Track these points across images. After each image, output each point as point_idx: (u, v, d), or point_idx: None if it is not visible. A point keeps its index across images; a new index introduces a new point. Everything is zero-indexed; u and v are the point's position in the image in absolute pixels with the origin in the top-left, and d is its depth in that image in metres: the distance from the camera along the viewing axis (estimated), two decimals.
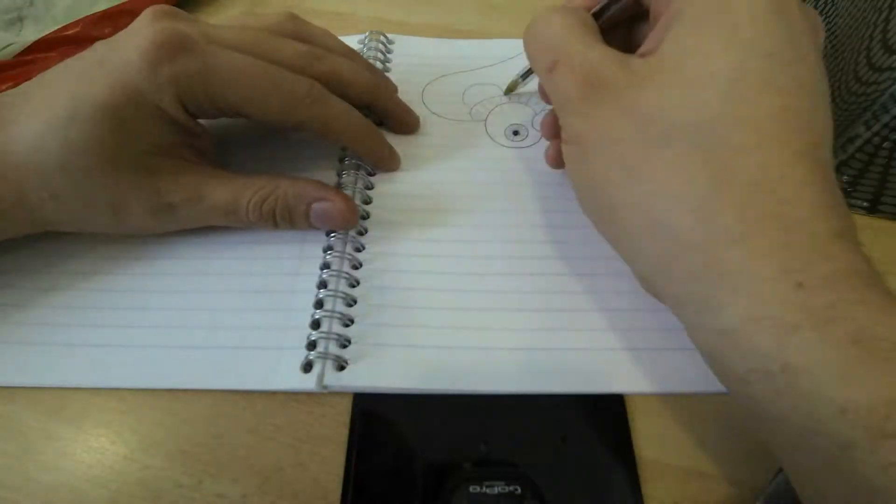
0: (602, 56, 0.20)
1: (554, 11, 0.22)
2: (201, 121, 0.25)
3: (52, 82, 0.23)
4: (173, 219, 0.24)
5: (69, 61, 0.23)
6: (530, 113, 0.33)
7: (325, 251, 0.26)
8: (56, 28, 0.36)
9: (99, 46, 0.23)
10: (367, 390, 0.22)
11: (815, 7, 0.31)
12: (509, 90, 0.33)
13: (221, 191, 0.24)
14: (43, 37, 0.35)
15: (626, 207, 0.19)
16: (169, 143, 0.23)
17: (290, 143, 0.30)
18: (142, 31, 0.22)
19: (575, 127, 0.21)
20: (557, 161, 0.27)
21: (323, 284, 0.25)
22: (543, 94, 0.27)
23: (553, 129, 0.27)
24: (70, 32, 0.36)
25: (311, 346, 0.23)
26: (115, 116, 0.22)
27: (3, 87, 0.32)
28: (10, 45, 0.34)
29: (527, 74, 0.32)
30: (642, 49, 0.21)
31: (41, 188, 0.22)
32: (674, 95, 0.18)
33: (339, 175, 0.29)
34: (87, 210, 0.23)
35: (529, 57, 0.24)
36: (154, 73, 0.22)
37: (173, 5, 0.25)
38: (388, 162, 0.29)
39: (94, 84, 0.22)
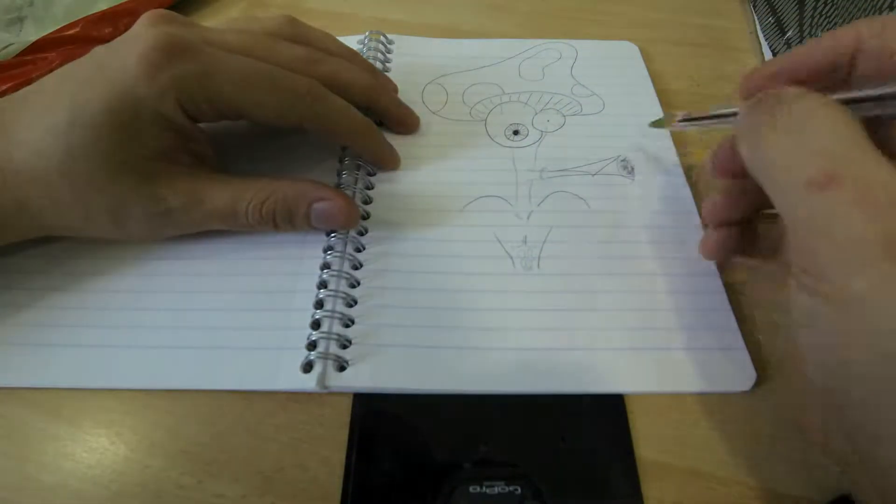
0: None
1: (813, 97, 0.17)
2: (201, 125, 0.25)
3: (52, 88, 0.23)
4: (173, 224, 0.24)
5: (68, 67, 0.23)
6: (530, 112, 0.33)
7: (325, 251, 0.26)
8: (56, 28, 0.36)
9: (98, 52, 0.23)
10: (368, 390, 0.22)
11: (815, 7, 0.32)
12: (657, 125, 0.30)
13: (220, 194, 0.24)
14: (43, 37, 0.35)
15: None
16: (168, 148, 0.23)
17: (289, 145, 0.30)
18: (140, 36, 0.22)
19: (859, 290, 0.14)
20: (718, 253, 0.24)
21: (323, 284, 0.25)
22: (724, 168, 0.21)
23: (731, 169, 0.21)
24: (70, 32, 0.36)
25: (312, 346, 0.23)
26: (115, 122, 0.22)
27: (4, 88, 0.32)
28: (10, 45, 0.34)
29: (692, 120, 0.26)
30: None
31: (41, 194, 0.22)
32: None
33: (339, 175, 0.29)
34: (87, 216, 0.23)
35: (768, 155, 0.17)
36: (153, 78, 0.22)
37: (171, 9, 0.25)
38: (388, 160, 0.29)
39: (94, 90, 0.22)
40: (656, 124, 0.30)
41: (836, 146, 0.15)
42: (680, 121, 0.27)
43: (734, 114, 0.22)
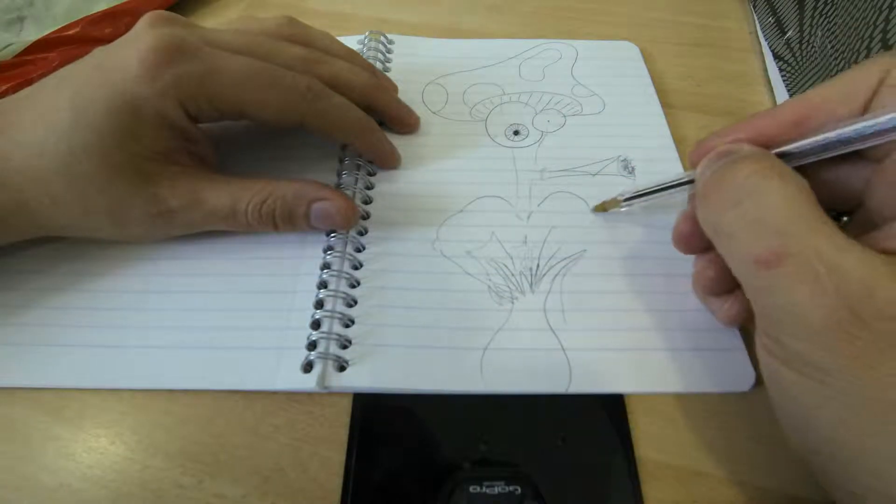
0: (870, 271, 0.14)
1: (765, 172, 0.17)
2: (202, 125, 0.25)
3: (53, 89, 0.23)
4: (173, 224, 0.24)
5: (69, 67, 0.23)
6: (531, 112, 0.33)
7: (325, 251, 0.26)
8: (56, 28, 0.36)
9: (98, 52, 0.23)
10: (368, 390, 0.22)
11: (815, 7, 0.32)
12: (601, 209, 0.27)
13: (220, 195, 0.24)
14: (43, 37, 0.35)
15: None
16: (169, 148, 0.23)
17: (289, 145, 0.30)
18: (140, 37, 0.22)
19: (813, 359, 0.15)
20: (688, 245, 0.22)
21: (323, 284, 0.25)
22: (688, 239, 0.21)
23: (695, 244, 0.21)
24: (70, 32, 0.36)
25: (312, 346, 0.23)
26: (116, 123, 0.22)
27: (4, 88, 0.32)
28: (10, 45, 0.34)
29: (632, 198, 0.26)
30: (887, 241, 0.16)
31: (42, 194, 0.22)
32: None
33: (339, 175, 0.29)
34: (87, 216, 0.23)
35: (717, 224, 0.18)
36: (154, 79, 0.22)
37: (171, 9, 0.25)
38: (388, 159, 0.29)
39: (94, 91, 0.22)
40: (599, 208, 0.27)
41: (783, 221, 0.16)
42: (626, 199, 0.26)
43: (689, 181, 0.23)
